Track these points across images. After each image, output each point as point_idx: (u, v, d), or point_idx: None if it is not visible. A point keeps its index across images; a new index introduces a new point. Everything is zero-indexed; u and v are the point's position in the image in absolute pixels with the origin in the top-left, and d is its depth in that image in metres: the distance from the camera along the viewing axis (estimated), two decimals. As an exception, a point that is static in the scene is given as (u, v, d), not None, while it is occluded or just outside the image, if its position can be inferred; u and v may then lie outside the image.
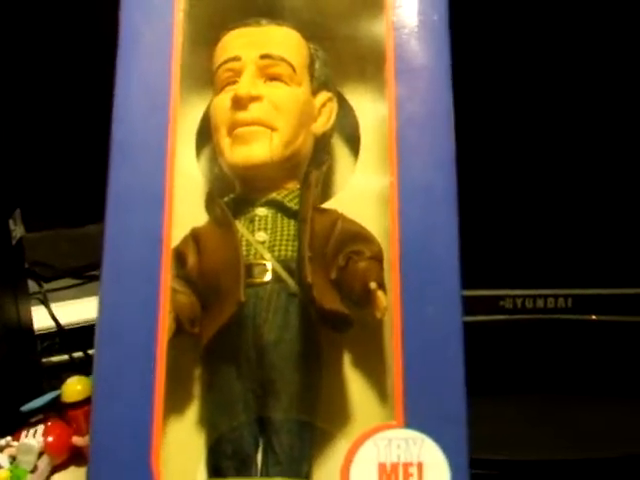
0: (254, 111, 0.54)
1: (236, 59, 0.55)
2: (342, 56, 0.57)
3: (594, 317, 0.75)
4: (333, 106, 0.57)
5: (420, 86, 0.52)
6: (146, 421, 0.47)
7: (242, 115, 0.54)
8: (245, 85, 0.54)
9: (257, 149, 0.54)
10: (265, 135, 0.54)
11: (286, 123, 0.54)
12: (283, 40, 0.56)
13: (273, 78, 0.55)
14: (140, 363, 0.48)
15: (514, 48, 0.71)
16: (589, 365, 0.75)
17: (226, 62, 0.56)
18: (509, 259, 0.75)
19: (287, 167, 0.55)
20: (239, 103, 0.54)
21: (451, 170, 0.50)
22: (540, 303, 0.75)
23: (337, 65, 0.57)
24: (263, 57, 0.55)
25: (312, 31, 0.57)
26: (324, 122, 0.57)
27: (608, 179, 0.74)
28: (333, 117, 0.57)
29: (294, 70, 0.55)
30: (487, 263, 0.71)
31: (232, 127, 0.54)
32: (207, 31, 0.56)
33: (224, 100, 0.55)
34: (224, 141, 0.55)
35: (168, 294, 0.50)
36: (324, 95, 0.57)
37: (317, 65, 0.57)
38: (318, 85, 0.57)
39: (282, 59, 0.55)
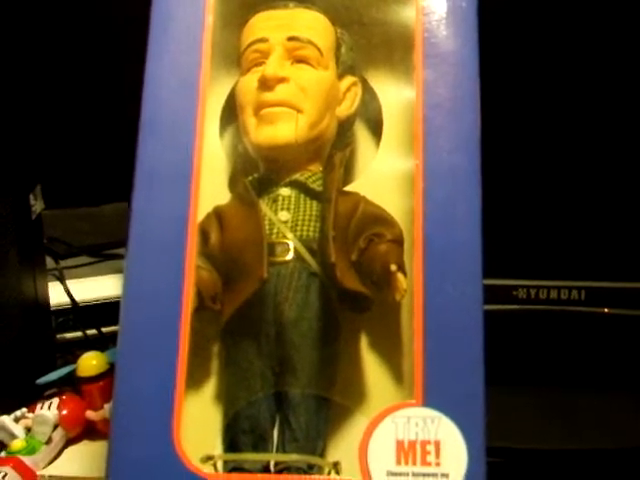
0: (280, 92, 0.55)
1: (263, 40, 0.56)
2: (370, 40, 0.57)
3: (606, 310, 0.75)
4: (357, 91, 0.58)
5: (447, 71, 0.52)
6: (168, 394, 0.48)
7: (268, 96, 0.55)
8: (272, 66, 0.55)
9: (282, 130, 0.54)
10: (291, 116, 0.54)
11: (312, 105, 0.55)
12: (310, 23, 0.57)
13: (300, 60, 0.56)
14: (164, 337, 0.49)
15: (541, 35, 0.72)
16: (600, 358, 0.75)
17: (253, 43, 0.56)
18: (524, 249, 0.75)
19: (311, 149, 0.56)
20: (266, 84, 0.55)
21: (475, 154, 0.51)
22: (553, 294, 0.76)
23: (365, 49, 0.58)
24: (290, 39, 0.56)
25: (341, 15, 0.58)
26: (348, 106, 0.57)
27: (626, 172, 0.74)
28: (357, 101, 0.58)
29: (321, 53, 0.56)
30: (502, 252, 0.71)
31: (258, 107, 0.55)
32: (238, 12, 0.57)
33: (251, 81, 0.56)
34: (250, 121, 0.55)
35: (193, 270, 0.50)
36: (349, 79, 0.58)
37: (343, 49, 0.57)
38: (343, 69, 0.57)
39: (309, 42, 0.56)
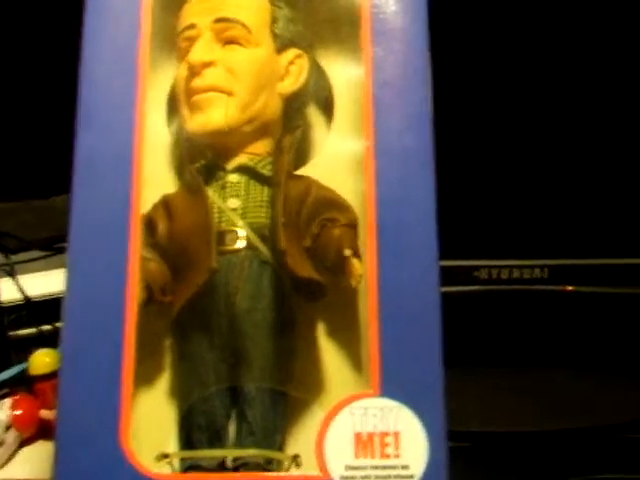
0: (208, 77, 0.53)
1: (192, 27, 0.54)
2: (317, 17, 0.56)
3: (570, 288, 0.75)
4: (303, 63, 0.56)
5: (397, 48, 0.51)
6: (115, 392, 0.46)
7: (197, 82, 0.53)
8: (197, 52, 0.53)
9: (212, 115, 0.53)
10: (221, 100, 0.53)
11: (243, 86, 0.53)
12: (238, 2, 0.55)
13: (229, 41, 0.54)
14: (109, 333, 0.47)
15: (493, 9, 0.70)
16: (564, 336, 0.74)
17: (183, 31, 0.55)
18: (484, 229, 0.74)
19: (251, 130, 0.54)
20: (193, 70, 0.53)
21: (428, 134, 0.50)
22: (516, 274, 0.75)
23: (312, 26, 0.56)
24: (217, 21, 0.54)
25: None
26: (292, 81, 0.56)
27: (583, 149, 0.73)
28: (303, 75, 0.56)
29: (249, 31, 0.54)
30: (461, 233, 0.70)
31: (189, 95, 0.54)
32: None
33: (183, 69, 0.54)
34: (184, 110, 0.54)
35: (138, 262, 0.49)
36: (291, 52, 0.56)
37: (280, 23, 0.56)
38: (282, 43, 0.55)
39: (236, 21, 0.54)
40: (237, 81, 0.53)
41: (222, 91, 0.53)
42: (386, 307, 0.47)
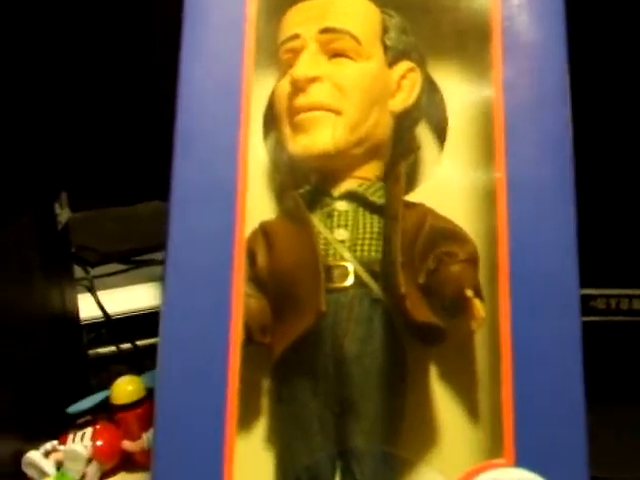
0: (314, 94, 0.49)
1: (295, 37, 0.50)
2: (437, 30, 0.51)
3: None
4: (416, 77, 0.51)
5: (532, 66, 0.46)
6: (218, 436, 0.43)
7: (301, 100, 0.49)
8: (302, 66, 0.49)
9: (318, 137, 0.48)
10: (328, 120, 0.49)
11: (352, 104, 0.49)
12: (346, 10, 0.50)
13: (337, 54, 0.50)
14: (211, 375, 0.44)
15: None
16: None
17: (285, 42, 0.50)
18: (600, 255, 0.68)
19: (362, 152, 0.49)
20: (297, 87, 0.49)
21: (567, 163, 0.45)
22: (637, 304, 0.69)
23: (430, 40, 0.51)
24: (323, 32, 0.49)
25: (403, 2, 0.51)
26: (405, 97, 0.51)
27: None
28: (417, 90, 0.51)
29: (359, 42, 0.49)
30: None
31: (292, 114, 0.49)
32: (283, 0, 0.51)
33: (285, 84, 0.50)
34: (286, 130, 0.50)
35: (241, 298, 0.45)
36: (404, 65, 0.51)
37: (392, 33, 0.51)
38: (394, 55, 0.51)
39: (344, 31, 0.49)
40: (346, 98, 0.49)
41: (329, 110, 0.49)
42: (521, 361, 0.42)
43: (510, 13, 0.46)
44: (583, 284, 0.66)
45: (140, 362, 0.76)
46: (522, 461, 0.40)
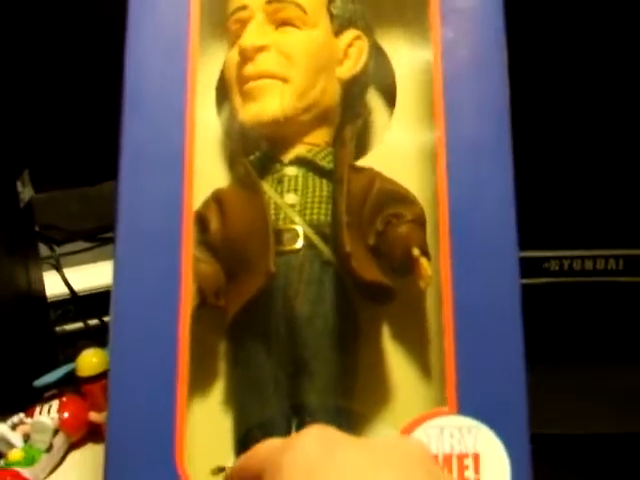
0: (261, 63, 0.50)
1: (243, 8, 0.51)
2: (381, -1, 0.52)
3: (648, 279, 0.70)
4: (362, 44, 0.52)
5: (469, 29, 0.47)
6: (169, 402, 0.43)
7: (249, 68, 0.50)
8: (249, 35, 0.50)
9: (267, 104, 0.50)
10: (275, 88, 0.50)
11: (299, 72, 0.50)
12: None
13: (283, 23, 0.51)
14: (162, 339, 0.44)
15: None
16: (640, 331, 0.71)
17: (234, 13, 0.51)
18: (554, 218, 0.70)
19: (309, 119, 0.51)
20: (245, 56, 0.50)
21: (504, 123, 0.46)
22: (589, 265, 0.71)
23: (374, 7, 0.52)
24: (269, 2, 0.50)
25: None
26: (351, 65, 0.52)
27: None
28: (363, 57, 0.52)
29: (304, 11, 0.51)
30: (530, 221, 0.66)
31: (241, 83, 0.50)
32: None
33: (234, 55, 0.51)
34: (236, 99, 0.51)
35: (191, 262, 0.45)
36: (350, 34, 0.52)
37: (338, 2, 0.52)
38: (340, 24, 0.52)
39: (290, 1, 0.50)
40: (293, 66, 0.50)
41: (277, 77, 0.50)
42: (462, 313, 0.43)
43: None
44: (537, 246, 0.69)
45: (106, 339, 0.77)
46: (464, 409, 0.42)
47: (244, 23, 0.50)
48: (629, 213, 0.70)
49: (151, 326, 0.44)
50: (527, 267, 0.69)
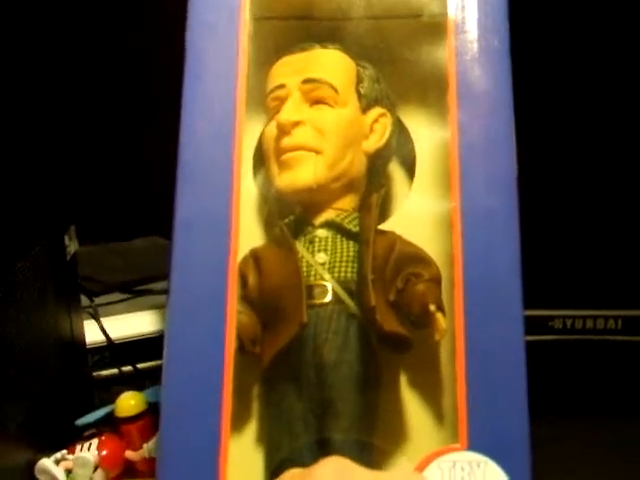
0: (297, 136, 0.55)
1: (281, 87, 0.57)
2: (403, 80, 0.57)
3: (644, 338, 0.75)
4: (386, 122, 0.58)
5: (482, 111, 0.52)
6: (214, 438, 0.48)
7: (286, 141, 0.55)
8: (286, 112, 0.56)
9: (301, 173, 0.55)
10: (309, 159, 0.55)
11: (330, 145, 0.55)
12: (325, 62, 0.57)
13: (317, 101, 0.56)
14: (208, 380, 0.49)
15: (575, 72, 0.71)
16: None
17: (273, 91, 0.57)
18: (559, 280, 0.75)
19: (337, 187, 0.56)
20: (282, 130, 0.55)
21: (512, 194, 0.51)
22: (590, 324, 0.75)
23: (398, 89, 0.58)
24: (305, 82, 0.56)
25: (372, 55, 0.58)
26: (377, 139, 0.57)
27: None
28: (387, 133, 0.58)
29: (336, 91, 0.56)
30: (537, 283, 0.71)
31: (278, 154, 0.56)
32: (271, 54, 0.57)
33: (272, 128, 0.56)
34: (273, 168, 0.56)
35: (234, 315, 0.50)
36: (375, 111, 0.57)
37: (365, 83, 0.57)
38: (367, 102, 0.57)
39: (323, 82, 0.56)
40: (325, 140, 0.55)
41: (311, 150, 0.55)
42: (473, 362, 0.48)
43: (464, 66, 0.53)
44: (543, 306, 0.73)
45: (139, 383, 0.80)
46: (474, 446, 0.47)
47: (282, 100, 0.56)
48: (627, 277, 0.75)
49: (198, 369, 0.49)
50: (533, 325, 0.75)
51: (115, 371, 0.92)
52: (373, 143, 0.57)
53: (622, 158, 0.73)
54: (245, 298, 0.53)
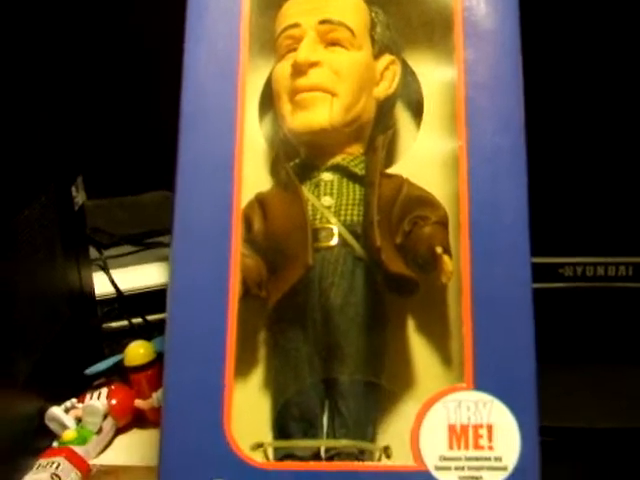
0: (313, 77, 0.54)
1: (296, 26, 0.55)
2: (409, 21, 0.57)
3: (655, 285, 0.74)
4: (396, 69, 0.57)
5: (489, 50, 0.52)
6: (218, 383, 0.48)
7: (302, 81, 0.55)
8: (304, 51, 0.54)
9: (317, 114, 0.54)
10: (325, 100, 0.54)
11: (346, 88, 0.54)
12: (342, 4, 0.56)
13: (333, 43, 0.55)
14: (212, 325, 0.49)
15: (585, 13, 0.70)
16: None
17: (286, 29, 0.56)
18: (569, 227, 0.74)
19: (349, 132, 0.55)
20: (299, 69, 0.55)
21: (520, 134, 0.50)
22: (600, 271, 0.75)
23: (403, 30, 0.57)
24: (322, 22, 0.55)
25: (381, -3, 0.57)
26: (387, 86, 0.57)
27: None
28: (396, 80, 0.57)
29: (353, 34, 0.55)
30: (547, 230, 0.71)
31: (293, 93, 0.55)
32: (277, -4, 0.56)
33: (285, 67, 0.55)
34: (285, 107, 0.55)
35: (238, 258, 0.50)
36: (386, 58, 0.57)
37: (378, 28, 0.57)
38: (379, 48, 0.57)
39: (341, 23, 0.55)
40: (341, 82, 0.54)
41: (327, 91, 0.54)
42: (479, 304, 0.48)
43: (470, 5, 0.52)
44: (553, 253, 0.73)
45: (149, 335, 0.81)
46: (479, 385, 0.47)
47: (296, 39, 0.55)
48: (638, 224, 0.74)
49: (203, 314, 0.49)
50: (544, 272, 0.75)
51: (124, 323, 0.92)
52: (383, 90, 0.57)
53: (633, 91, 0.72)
54: (251, 242, 0.53)
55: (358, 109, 0.55)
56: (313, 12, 0.55)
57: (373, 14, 0.57)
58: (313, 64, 0.54)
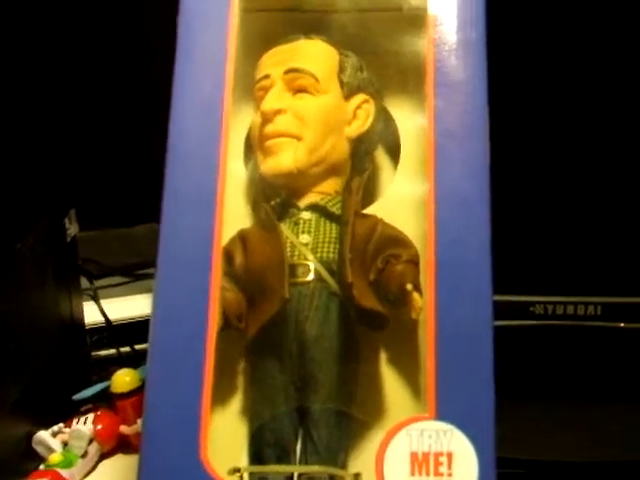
0: (279, 123, 0.58)
1: (266, 77, 0.59)
2: (385, 70, 0.60)
3: (622, 325, 0.77)
4: (369, 108, 0.60)
5: (458, 100, 0.54)
6: (195, 409, 0.50)
7: (269, 128, 0.58)
8: (269, 101, 0.58)
9: (283, 158, 0.57)
10: (291, 145, 0.57)
11: (311, 131, 0.58)
12: (308, 52, 0.60)
13: (300, 90, 0.58)
14: (191, 355, 0.51)
15: (549, 67, 0.73)
16: (617, 372, 0.77)
17: (259, 81, 0.59)
18: (540, 266, 0.77)
19: (318, 171, 0.58)
20: (266, 118, 0.58)
21: (485, 179, 0.53)
22: (570, 310, 0.77)
23: (381, 78, 0.60)
24: (287, 72, 0.58)
25: (356, 46, 0.60)
26: (359, 124, 0.60)
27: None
28: (370, 119, 0.60)
29: (317, 80, 0.58)
30: (519, 270, 0.74)
31: (262, 140, 0.58)
32: (258, 44, 0.60)
33: (257, 117, 0.59)
34: (258, 154, 0.59)
35: (218, 290, 0.52)
36: (359, 98, 0.60)
37: (348, 71, 0.60)
38: (350, 90, 0.59)
39: (304, 71, 0.58)
40: (305, 127, 0.58)
41: (291, 136, 0.57)
42: (442, 338, 0.50)
43: (441, 57, 0.55)
44: (524, 292, 0.76)
45: (137, 364, 0.81)
46: (441, 416, 0.49)
47: (266, 90, 0.59)
48: (607, 264, 0.77)
49: (183, 344, 0.51)
50: (515, 310, 0.77)
51: (113, 351, 0.94)
52: (355, 129, 0.60)
53: (601, 143, 0.75)
54: (232, 276, 0.55)
55: (324, 150, 0.58)
56: (282, 63, 0.59)
57: (343, 58, 0.60)
58: (278, 111, 0.58)
